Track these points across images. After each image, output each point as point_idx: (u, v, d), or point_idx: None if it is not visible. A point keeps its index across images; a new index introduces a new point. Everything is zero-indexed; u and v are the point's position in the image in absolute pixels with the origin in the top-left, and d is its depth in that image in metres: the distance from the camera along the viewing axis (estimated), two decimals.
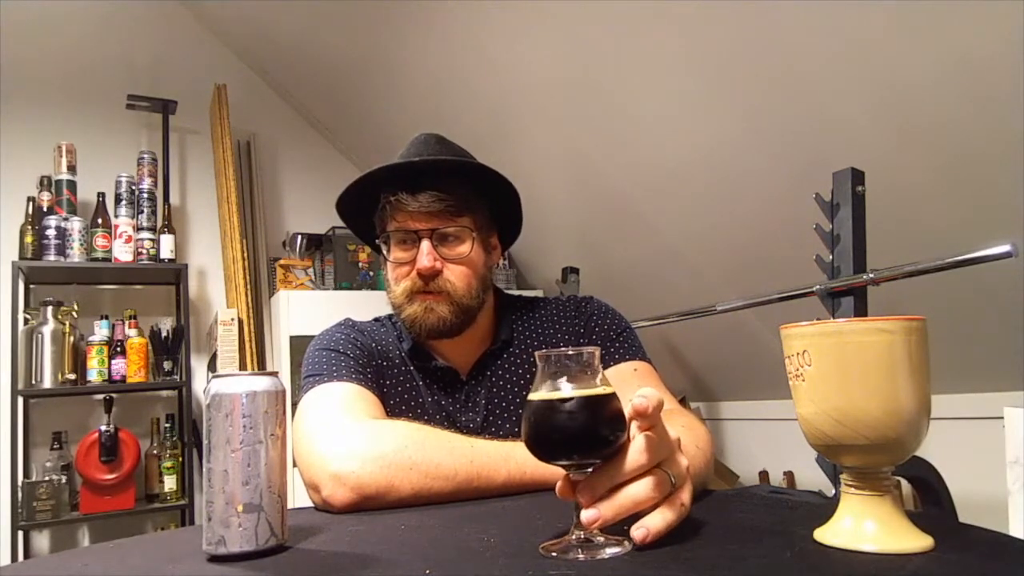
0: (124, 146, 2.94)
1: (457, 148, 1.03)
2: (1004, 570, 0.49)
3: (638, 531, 0.54)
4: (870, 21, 1.43)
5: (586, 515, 0.54)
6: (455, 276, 0.97)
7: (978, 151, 1.48)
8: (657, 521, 0.55)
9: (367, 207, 1.03)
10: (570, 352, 0.57)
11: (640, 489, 0.55)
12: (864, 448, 0.52)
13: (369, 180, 0.99)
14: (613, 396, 0.57)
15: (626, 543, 0.54)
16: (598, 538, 0.55)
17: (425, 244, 0.96)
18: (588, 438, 0.56)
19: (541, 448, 0.58)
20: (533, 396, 0.58)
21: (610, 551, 0.54)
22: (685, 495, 0.58)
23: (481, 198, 1.02)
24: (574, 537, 0.55)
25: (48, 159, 2.68)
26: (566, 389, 0.56)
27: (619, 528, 0.55)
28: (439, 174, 0.97)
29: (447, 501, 0.79)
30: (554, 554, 0.54)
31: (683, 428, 0.77)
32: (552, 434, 0.56)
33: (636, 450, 0.56)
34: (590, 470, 0.56)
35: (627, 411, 0.57)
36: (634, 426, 0.57)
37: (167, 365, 2.72)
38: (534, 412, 0.57)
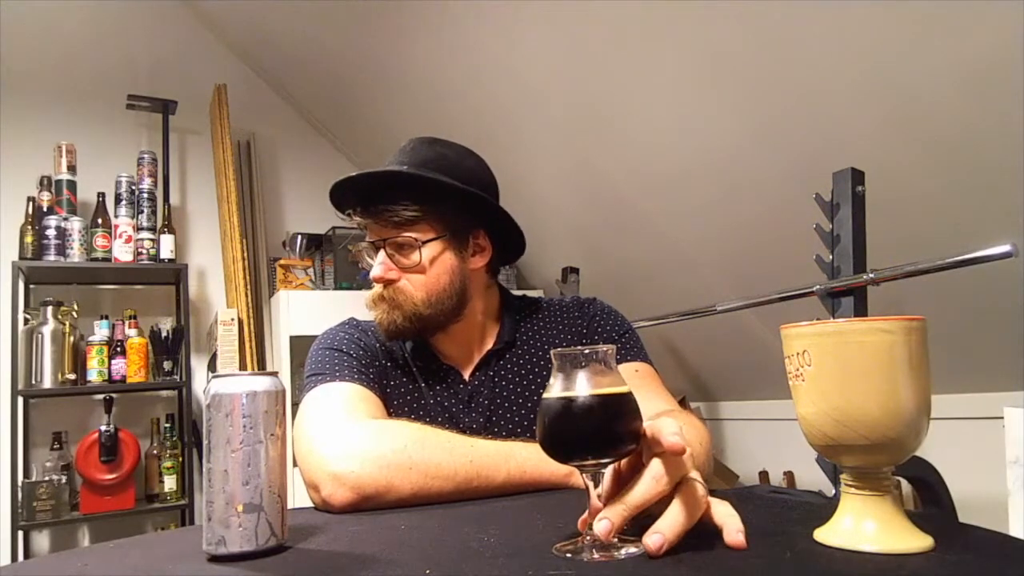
0: (124, 146, 2.94)
1: (443, 151, 1.02)
2: (1004, 570, 0.49)
3: (653, 537, 0.53)
4: (870, 22, 1.43)
5: (599, 527, 0.53)
6: (413, 284, 0.98)
7: (978, 151, 1.48)
8: (667, 529, 0.54)
9: None
10: (586, 351, 0.56)
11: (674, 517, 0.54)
12: (864, 448, 0.51)
13: (340, 191, 1.01)
14: (629, 395, 0.56)
15: (640, 543, 0.53)
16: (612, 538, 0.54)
17: (380, 254, 0.99)
18: (604, 437, 0.54)
19: (556, 448, 0.57)
20: (548, 395, 0.56)
21: (626, 551, 0.53)
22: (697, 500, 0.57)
23: (453, 203, 0.99)
24: (588, 537, 0.54)
25: (48, 159, 2.68)
26: (582, 387, 0.55)
27: (634, 530, 0.54)
28: (398, 184, 0.97)
29: (447, 501, 0.79)
30: (568, 555, 0.53)
31: (686, 424, 0.77)
32: (567, 433, 0.55)
33: (653, 476, 0.54)
34: (605, 470, 0.56)
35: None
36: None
37: (167, 365, 2.72)
38: (549, 411, 0.56)
